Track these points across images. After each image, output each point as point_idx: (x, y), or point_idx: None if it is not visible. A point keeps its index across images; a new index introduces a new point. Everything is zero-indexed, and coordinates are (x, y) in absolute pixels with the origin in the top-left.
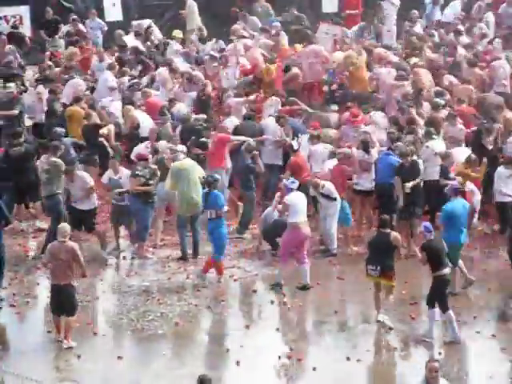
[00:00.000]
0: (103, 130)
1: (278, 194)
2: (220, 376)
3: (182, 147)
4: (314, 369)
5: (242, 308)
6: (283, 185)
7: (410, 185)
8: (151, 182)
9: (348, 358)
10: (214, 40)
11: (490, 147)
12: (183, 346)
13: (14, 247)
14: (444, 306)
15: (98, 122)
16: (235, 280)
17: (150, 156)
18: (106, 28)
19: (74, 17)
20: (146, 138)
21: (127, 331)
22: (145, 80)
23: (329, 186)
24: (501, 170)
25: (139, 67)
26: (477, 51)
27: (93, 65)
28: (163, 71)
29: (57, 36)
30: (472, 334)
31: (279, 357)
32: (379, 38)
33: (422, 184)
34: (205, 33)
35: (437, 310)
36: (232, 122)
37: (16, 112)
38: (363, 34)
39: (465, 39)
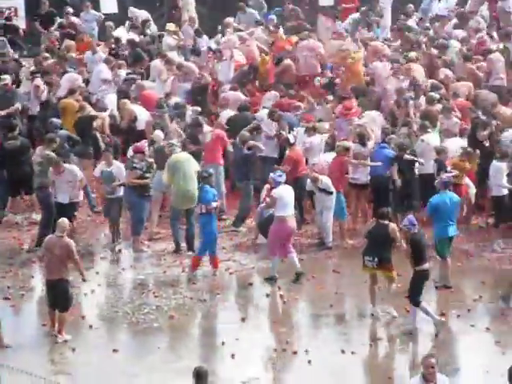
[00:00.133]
0: (97, 122)
1: (266, 186)
2: (215, 369)
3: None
4: (310, 362)
5: (238, 301)
6: (270, 178)
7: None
8: (147, 174)
9: (343, 351)
10: (220, 35)
11: (485, 141)
12: (178, 339)
13: (8, 240)
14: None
15: (93, 113)
16: (231, 273)
17: (147, 149)
18: (102, 18)
19: (69, 9)
20: (143, 131)
21: (122, 324)
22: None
23: (326, 181)
24: (495, 163)
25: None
26: (471, 45)
27: (86, 57)
28: (158, 63)
29: (52, 28)
30: (466, 327)
31: (274, 350)
32: (373, 31)
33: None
34: (196, 24)
35: (424, 303)
36: (228, 114)
37: (18, 106)
38: (358, 27)
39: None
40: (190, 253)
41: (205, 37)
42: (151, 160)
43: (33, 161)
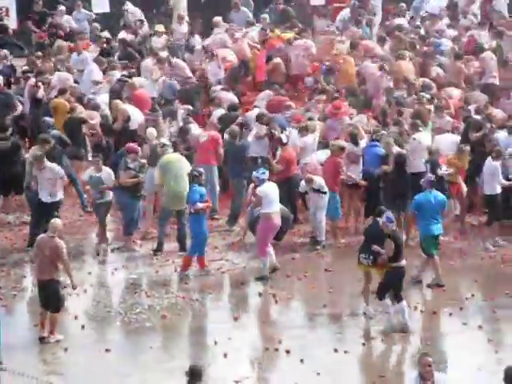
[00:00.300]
0: (87, 125)
1: (252, 185)
2: (207, 368)
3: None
4: (302, 361)
5: (230, 300)
6: (254, 177)
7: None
8: (140, 175)
9: (336, 350)
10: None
11: (475, 141)
12: (171, 338)
13: (0, 240)
14: (399, 296)
15: (83, 115)
16: (223, 272)
17: (140, 149)
18: (93, 17)
19: (61, 8)
20: (135, 131)
21: (115, 324)
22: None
23: (320, 181)
24: (491, 162)
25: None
26: (462, 44)
27: (71, 58)
28: (149, 62)
29: (44, 28)
30: (458, 325)
31: (267, 349)
32: (361, 28)
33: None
34: (184, 22)
35: (387, 301)
36: (221, 113)
37: (20, 108)
38: (348, 25)
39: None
40: (182, 253)
41: (197, 36)
42: (143, 161)
43: (26, 159)
